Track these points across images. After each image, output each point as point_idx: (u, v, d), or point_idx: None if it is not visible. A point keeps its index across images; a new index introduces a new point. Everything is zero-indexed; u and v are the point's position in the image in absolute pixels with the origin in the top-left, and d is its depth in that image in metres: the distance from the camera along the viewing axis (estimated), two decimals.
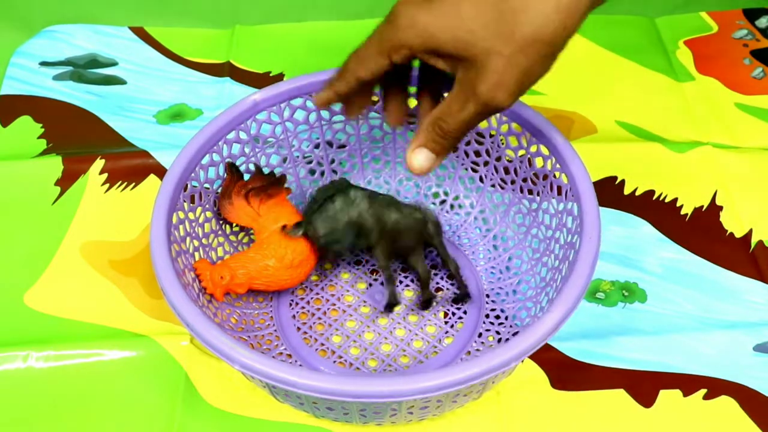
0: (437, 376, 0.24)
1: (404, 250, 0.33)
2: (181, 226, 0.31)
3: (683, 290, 0.35)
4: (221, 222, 0.35)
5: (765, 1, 0.48)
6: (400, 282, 0.35)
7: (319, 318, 0.34)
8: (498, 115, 0.33)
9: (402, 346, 0.33)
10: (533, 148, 0.33)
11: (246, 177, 0.34)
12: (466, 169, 0.37)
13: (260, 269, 0.32)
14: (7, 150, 0.41)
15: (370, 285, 0.35)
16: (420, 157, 0.27)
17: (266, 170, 0.35)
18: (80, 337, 0.33)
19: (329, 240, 0.33)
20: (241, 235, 0.36)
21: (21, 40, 0.46)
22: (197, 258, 0.32)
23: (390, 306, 0.34)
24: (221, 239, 0.35)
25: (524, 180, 0.34)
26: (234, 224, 0.35)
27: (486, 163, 0.36)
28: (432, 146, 0.27)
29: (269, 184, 0.34)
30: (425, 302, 0.34)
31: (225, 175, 0.34)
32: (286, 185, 0.35)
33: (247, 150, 0.34)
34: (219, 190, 0.34)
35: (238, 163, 0.34)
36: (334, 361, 0.33)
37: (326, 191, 0.33)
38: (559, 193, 0.31)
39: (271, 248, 0.33)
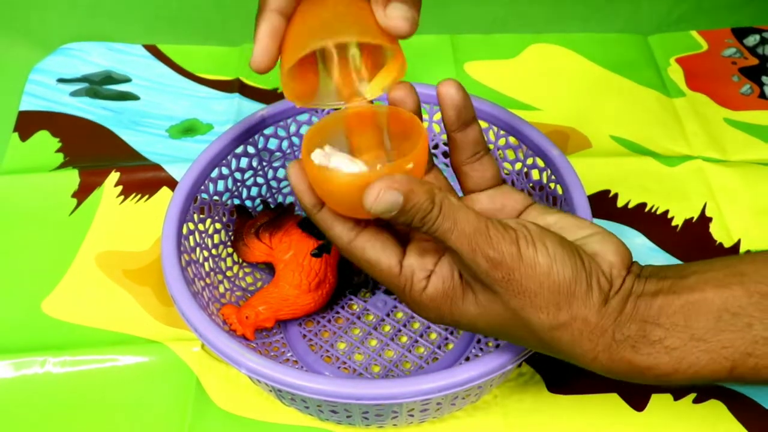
0: (436, 379, 0.25)
1: None
2: (191, 237, 0.32)
3: None
4: (242, 263, 0.36)
5: (753, 20, 0.50)
6: None
7: (325, 326, 0.35)
8: (496, 129, 0.35)
9: (404, 352, 0.34)
10: (530, 161, 0.34)
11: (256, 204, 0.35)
12: None
13: (281, 300, 0.33)
14: (25, 163, 0.42)
15: (374, 293, 0.37)
16: (397, 11, 0.22)
17: (274, 176, 0.37)
18: (95, 343, 0.34)
19: None
20: None
21: (39, 58, 0.47)
22: (207, 268, 0.33)
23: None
24: (230, 250, 0.36)
25: (521, 192, 0.35)
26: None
27: None
28: None
29: (276, 217, 0.35)
30: None
31: (235, 218, 0.35)
32: (295, 212, 0.36)
33: (254, 164, 0.36)
34: (233, 236, 0.35)
35: (245, 177, 0.36)
36: (339, 367, 0.34)
37: None
38: (555, 204, 0.33)
39: (287, 278, 0.33)
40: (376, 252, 0.24)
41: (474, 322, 0.24)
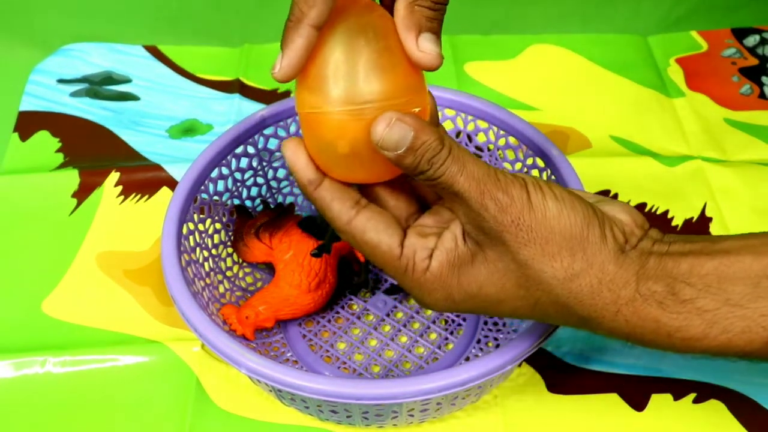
0: (436, 379, 0.25)
1: None
2: (191, 237, 0.32)
3: None
4: (242, 263, 0.36)
5: (753, 20, 0.50)
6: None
7: (324, 326, 0.35)
8: (496, 129, 0.35)
9: (404, 352, 0.34)
10: (530, 161, 0.34)
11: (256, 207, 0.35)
12: None
13: (281, 300, 0.33)
14: (26, 163, 0.42)
15: (374, 293, 0.37)
16: (430, 45, 0.22)
17: (274, 177, 0.37)
18: (96, 343, 0.34)
19: (326, 222, 0.34)
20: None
21: (39, 58, 0.47)
22: (207, 268, 0.34)
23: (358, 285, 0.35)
24: (230, 250, 0.36)
25: None
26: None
27: None
28: (430, 26, 0.22)
29: (276, 217, 0.35)
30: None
31: (234, 218, 0.35)
32: (296, 212, 0.36)
33: (254, 164, 0.36)
34: (233, 237, 0.35)
35: (245, 177, 0.36)
36: (339, 367, 0.34)
37: None
38: None
39: (287, 278, 0.33)
40: (377, 233, 0.23)
41: (484, 290, 0.22)
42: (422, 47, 0.22)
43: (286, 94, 0.46)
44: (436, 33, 0.23)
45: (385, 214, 0.24)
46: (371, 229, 0.23)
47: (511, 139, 0.34)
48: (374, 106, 0.22)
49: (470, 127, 0.36)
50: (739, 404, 0.32)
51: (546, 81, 0.47)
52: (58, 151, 0.43)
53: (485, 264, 0.22)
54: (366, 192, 0.25)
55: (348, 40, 0.22)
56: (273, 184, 0.37)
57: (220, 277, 0.35)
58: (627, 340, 0.22)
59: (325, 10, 0.21)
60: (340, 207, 0.23)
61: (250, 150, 0.35)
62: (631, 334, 0.22)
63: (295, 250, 0.34)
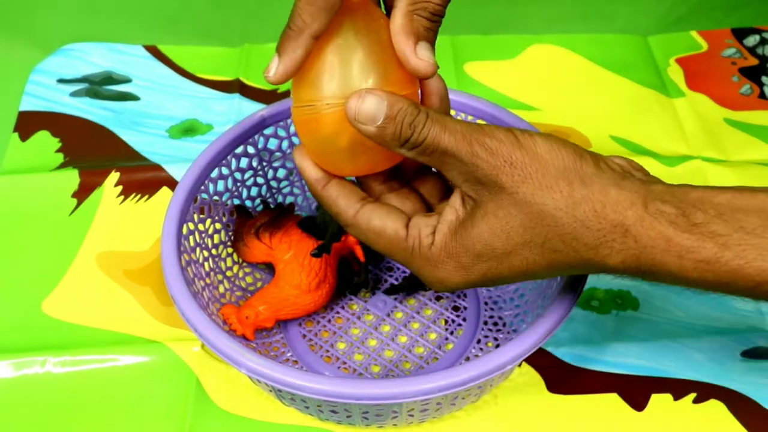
0: (436, 379, 0.25)
1: None
2: (191, 237, 0.32)
3: (675, 298, 0.36)
4: (242, 263, 0.36)
5: (753, 20, 0.50)
6: (408, 294, 0.36)
7: (324, 326, 0.35)
8: None
9: (404, 352, 0.34)
10: None
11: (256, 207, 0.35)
12: None
13: (281, 300, 0.33)
14: (26, 163, 0.42)
15: (374, 293, 0.37)
16: (427, 53, 0.22)
17: (276, 179, 0.37)
18: (96, 343, 0.34)
19: (326, 220, 0.34)
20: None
21: (39, 58, 0.47)
22: (207, 268, 0.34)
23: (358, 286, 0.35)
24: (230, 250, 0.36)
25: None
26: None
27: None
28: (427, 36, 0.23)
29: (276, 217, 0.35)
30: (406, 286, 0.36)
31: (235, 218, 0.35)
32: (296, 212, 0.36)
33: (254, 164, 0.36)
34: (233, 237, 0.35)
35: (245, 177, 0.36)
36: (339, 367, 0.34)
37: None
38: None
39: (287, 278, 0.33)
40: (381, 219, 0.23)
41: (490, 245, 0.22)
42: (420, 55, 0.22)
43: (286, 94, 0.46)
44: (432, 43, 0.23)
45: (388, 204, 0.25)
46: (376, 217, 0.24)
47: None
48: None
49: None
50: (739, 404, 0.32)
51: (546, 81, 0.47)
52: (58, 151, 0.43)
53: (486, 218, 0.22)
54: (371, 195, 0.26)
55: (342, 37, 0.23)
56: (273, 184, 0.38)
57: (220, 277, 0.35)
58: (637, 271, 0.21)
59: (327, 22, 0.22)
60: (346, 202, 0.24)
61: (250, 150, 0.35)
62: (642, 257, 0.21)
63: (295, 250, 0.34)
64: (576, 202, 0.21)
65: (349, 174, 0.25)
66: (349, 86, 0.22)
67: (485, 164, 0.21)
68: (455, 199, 0.23)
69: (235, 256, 0.36)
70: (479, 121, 0.35)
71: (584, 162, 0.21)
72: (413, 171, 0.26)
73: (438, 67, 0.23)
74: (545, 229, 0.21)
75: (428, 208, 0.26)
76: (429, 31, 0.23)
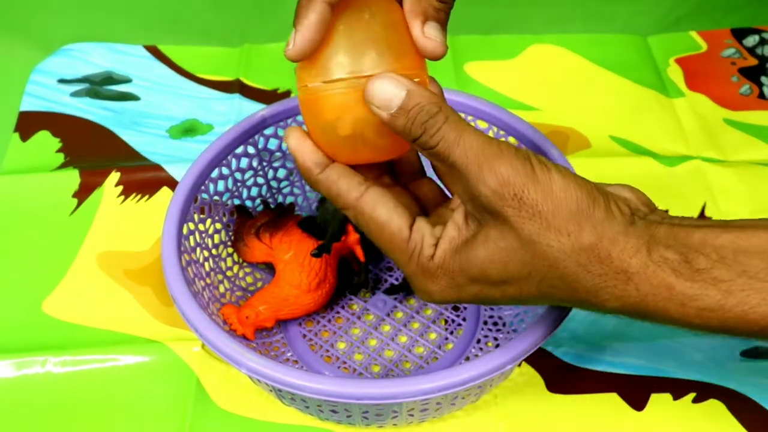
0: (436, 379, 0.25)
1: None
2: (191, 237, 0.32)
3: None
4: (242, 263, 0.36)
5: (752, 21, 0.50)
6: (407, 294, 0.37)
7: (325, 325, 0.35)
8: (496, 129, 0.35)
9: (404, 351, 0.34)
10: None
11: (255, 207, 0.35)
12: None
13: (281, 300, 0.33)
14: (26, 163, 0.42)
15: (374, 293, 0.37)
16: (435, 32, 0.22)
17: (276, 179, 0.37)
18: (96, 343, 0.34)
19: (326, 220, 0.35)
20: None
21: (39, 59, 0.47)
22: (207, 268, 0.34)
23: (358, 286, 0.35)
24: (230, 250, 0.36)
25: None
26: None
27: None
28: (436, 16, 0.22)
29: (276, 217, 0.35)
30: (406, 286, 0.36)
31: (235, 218, 0.35)
32: (296, 212, 0.36)
33: (255, 164, 0.36)
34: (233, 237, 0.35)
35: (246, 177, 0.36)
36: (339, 367, 0.34)
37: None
38: None
39: (287, 278, 0.33)
40: (387, 210, 0.22)
41: (487, 271, 0.21)
42: (427, 33, 0.22)
43: (287, 94, 0.47)
44: (442, 24, 0.22)
45: (393, 193, 0.23)
46: (382, 205, 0.22)
47: (511, 139, 0.34)
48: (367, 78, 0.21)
49: None
50: (738, 404, 0.32)
51: (546, 81, 0.47)
52: (58, 151, 0.43)
53: (486, 244, 0.21)
54: None
55: (352, 17, 0.22)
56: (273, 184, 0.38)
57: (220, 277, 0.35)
58: (636, 315, 0.21)
59: None
60: (348, 183, 0.22)
61: (251, 150, 0.35)
62: (642, 303, 0.20)
63: (295, 250, 0.34)
64: (582, 248, 0.20)
65: (348, 161, 0.23)
66: (357, 65, 0.21)
67: (492, 194, 0.20)
68: (458, 215, 0.22)
69: (235, 256, 0.36)
70: (479, 122, 0.35)
71: (597, 206, 0.20)
72: (409, 175, 0.26)
73: (447, 48, 0.22)
74: (546, 267, 0.21)
75: (423, 210, 0.25)
76: (439, 11, 0.22)
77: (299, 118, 0.36)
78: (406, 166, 0.25)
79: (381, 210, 0.22)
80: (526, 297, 0.22)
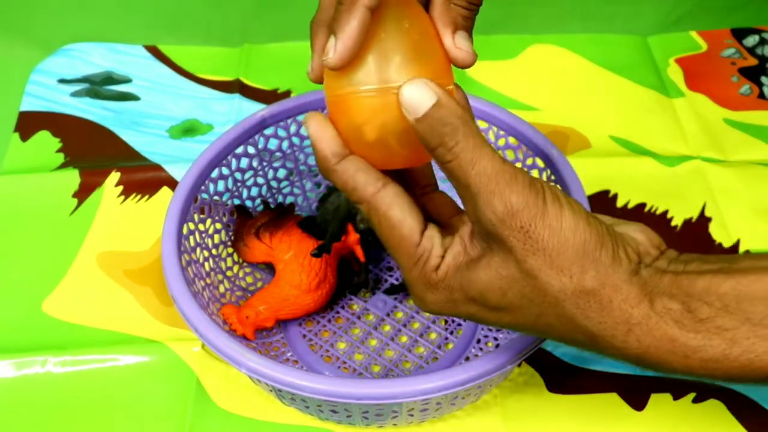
0: (436, 379, 0.25)
1: None
2: (191, 237, 0.32)
3: None
4: (242, 263, 0.36)
5: (752, 21, 0.50)
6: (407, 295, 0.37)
7: (325, 325, 0.35)
8: (496, 129, 0.35)
9: (404, 351, 0.34)
10: (529, 161, 0.34)
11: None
12: None
13: (281, 300, 0.33)
14: (26, 163, 0.42)
15: (374, 293, 0.37)
16: (466, 42, 0.22)
17: (275, 179, 0.37)
18: (96, 343, 0.34)
19: (326, 220, 0.35)
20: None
21: (39, 58, 0.47)
22: (207, 268, 0.34)
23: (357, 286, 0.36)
24: (230, 250, 0.36)
25: None
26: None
27: None
28: (465, 24, 0.22)
29: (276, 217, 0.35)
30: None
31: (235, 218, 0.35)
32: (296, 212, 0.36)
33: (255, 164, 0.36)
34: (233, 237, 0.35)
35: (246, 177, 0.36)
36: (339, 367, 0.34)
37: (331, 190, 0.37)
38: None
39: (287, 278, 0.33)
40: (402, 211, 0.22)
41: (485, 296, 0.21)
42: (459, 44, 0.22)
43: (287, 94, 0.47)
44: (470, 32, 0.23)
45: (410, 196, 0.23)
46: (397, 205, 0.22)
47: (511, 140, 0.34)
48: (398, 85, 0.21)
49: None
50: (738, 404, 0.32)
51: (546, 81, 0.47)
52: (58, 151, 0.43)
53: (488, 269, 0.21)
54: None
55: (391, 25, 0.22)
56: (273, 184, 0.38)
57: (220, 277, 0.35)
58: (637, 364, 0.21)
59: None
60: (366, 178, 0.22)
61: (251, 150, 0.35)
62: (644, 355, 0.20)
63: (295, 250, 0.34)
64: (583, 292, 0.20)
65: (376, 167, 0.23)
66: (388, 74, 0.21)
67: (498, 222, 0.20)
68: (466, 231, 0.22)
69: (235, 256, 0.36)
70: (480, 122, 0.35)
71: (604, 251, 0.20)
72: (421, 187, 0.25)
73: (477, 57, 0.22)
74: (544, 304, 0.21)
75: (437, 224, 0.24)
76: (467, 19, 0.22)
77: (299, 118, 0.36)
78: (420, 176, 0.25)
79: (395, 210, 0.22)
80: (522, 326, 0.22)
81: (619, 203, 0.40)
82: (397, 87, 0.21)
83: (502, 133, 0.35)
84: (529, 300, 0.21)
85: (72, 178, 0.41)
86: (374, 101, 0.22)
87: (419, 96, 0.20)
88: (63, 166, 0.42)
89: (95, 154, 0.43)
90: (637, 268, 0.21)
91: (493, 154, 0.21)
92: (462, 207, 0.24)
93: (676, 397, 0.33)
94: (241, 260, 0.36)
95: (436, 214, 0.25)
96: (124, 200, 0.40)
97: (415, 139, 0.22)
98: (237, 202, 0.36)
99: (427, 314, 0.36)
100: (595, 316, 0.20)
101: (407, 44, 0.22)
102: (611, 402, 0.32)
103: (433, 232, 0.23)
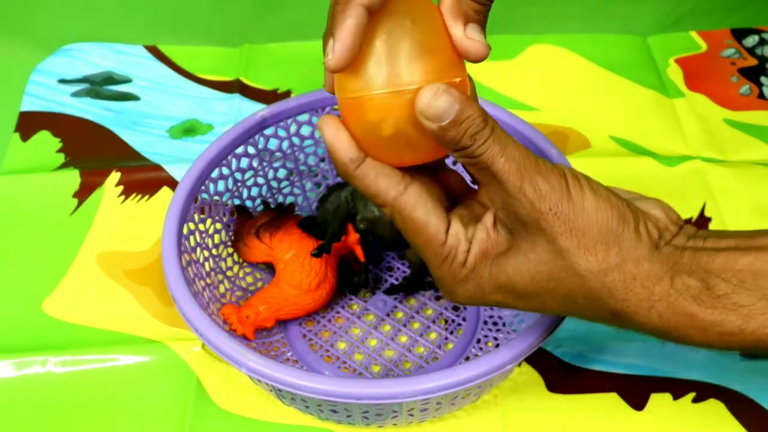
0: (436, 379, 0.25)
1: (389, 241, 0.35)
2: (191, 237, 0.32)
3: None
4: (242, 263, 0.36)
5: (752, 21, 0.50)
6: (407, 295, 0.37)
7: (325, 325, 0.35)
8: None
9: (404, 351, 0.34)
10: None
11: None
12: None
13: (281, 300, 0.33)
14: (27, 163, 0.42)
15: (374, 293, 0.37)
16: (478, 34, 0.22)
17: (276, 179, 0.37)
18: (96, 343, 0.34)
19: (326, 220, 0.35)
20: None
21: (40, 59, 0.48)
22: (207, 268, 0.34)
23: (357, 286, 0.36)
24: (230, 250, 0.36)
25: None
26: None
27: None
28: (477, 18, 0.22)
29: (276, 217, 0.35)
30: (406, 286, 0.36)
31: (235, 218, 0.35)
32: (296, 212, 0.36)
33: (255, 164, 0.36)
34: (233, 237, 0.35)
35: (246, 177, 0.36)
36: (339, 367, 0.34)
37: (331, 190, 0.37)
38: None
39: (287, 278, 0.34)
40: (426, 211, 0.22)
41: (513, 280, 0.22)
42: (470, 34, 0.22)
43: (287, 94, 0.47)
44: (482, 25, 0.23)
45: (432, 192, 0.23)
46: (421, 207, 0.22)
47: None
48: (418, 86, 0.21)
49: None
50: (738, 404, 0.32)
51: (546, 81, 0.47)
52: (59, 151, 0.43)
53: (516, 255, 0.22)
54: None
55: (392, 22, 0.22)
56: (273, 184, 0.38)
57: (220, 276, 0.35)
58: (659, 337, 0.22)
59: None
60: (387, 181, 0.22)
61: (251, 150, 0.35)
62: (664, 329, 0.21)
63: (295, 250, 0.34)
64: (608, 269, 0.21)
65: (391, 164, 0.23)
66: (399, 73, 0.21)
67: (529, 206, 0.21)
68: (488, 218, 0.23)
69: (235, 256, 0.36)
70: None
71: (626, 226, 0.21)
72: (433, 164, 0.25)
73: (490, 49, 0.22)
74: (571, 284, 0.22)
75: (451, 199, 0.25)
76: (479, 13, 0.22)
77: (299, 118, 0.36)
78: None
79: (419, 211, 0.22)
80: (549, 309, 0.23)
81: None
82: (409, 88, 0.21)
83: None
84: (557, 281, 0.22)
85: (72, 178, 0.41)
86: (384, 102, 0.22)
87: (443, 105, 0.21)
88: (63, 166, 0.42)
89: (95, 154, 0.43)
90: (657, 243, 0.21)
91: (516, 143, 0.21)
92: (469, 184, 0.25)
93: (676, 397, 0.33)
94: (241, 260, 0.36)
95: (452, 192, 0.25)
96: (125, 200, 0.40)
97: (429, 138, 0.22)
98: (237, 202, 0.36)
99: (428, 314, 0.36)
100: (620, 293, 0.21)
101: (415, 40, 0.22)
102: (611, 402, 0.32)
103: (457, 228, 0.23)
